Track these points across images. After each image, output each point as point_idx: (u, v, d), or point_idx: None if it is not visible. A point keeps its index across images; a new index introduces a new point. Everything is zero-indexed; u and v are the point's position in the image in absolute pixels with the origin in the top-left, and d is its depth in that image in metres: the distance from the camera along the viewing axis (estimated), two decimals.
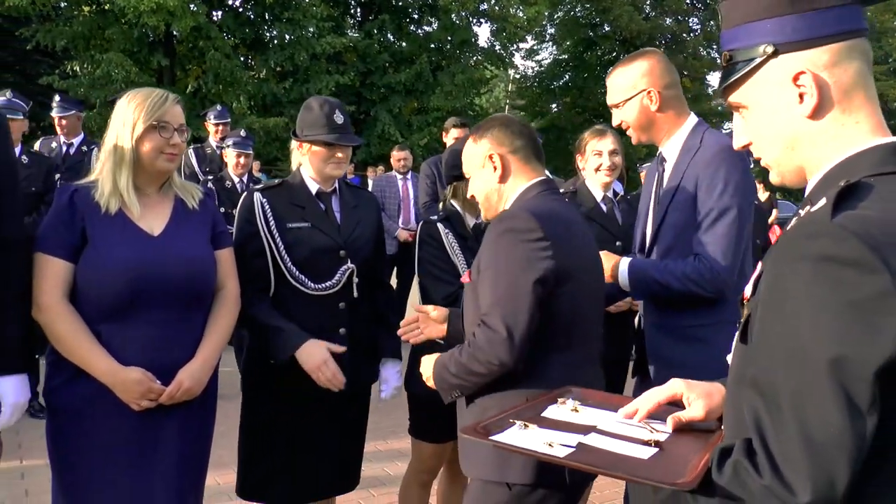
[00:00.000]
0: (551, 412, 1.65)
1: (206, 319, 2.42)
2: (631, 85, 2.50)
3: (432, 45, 20.53)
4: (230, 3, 18.56)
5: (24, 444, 4.25)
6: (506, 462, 1.97)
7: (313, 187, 2.76)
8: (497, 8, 20.12)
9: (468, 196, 2.39)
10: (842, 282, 1.01)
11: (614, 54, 26.35)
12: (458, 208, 2.93)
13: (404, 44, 20.72)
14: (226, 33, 16.85)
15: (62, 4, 17.60)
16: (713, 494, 1.14)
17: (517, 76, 27.19)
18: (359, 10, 21.69)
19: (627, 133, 2.62)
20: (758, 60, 1.22)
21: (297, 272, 2.65)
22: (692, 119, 2.55)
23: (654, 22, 25.45)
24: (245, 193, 2.80)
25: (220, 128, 6.88)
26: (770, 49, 1.21)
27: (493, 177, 2.17)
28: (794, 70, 1.19)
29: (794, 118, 1.21)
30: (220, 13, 17.94)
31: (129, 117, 2.30)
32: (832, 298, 1.02)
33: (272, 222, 2.66)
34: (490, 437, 1.52)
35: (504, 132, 2.18)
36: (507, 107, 32.23)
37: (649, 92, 2.47)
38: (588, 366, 2.10)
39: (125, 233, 2.28)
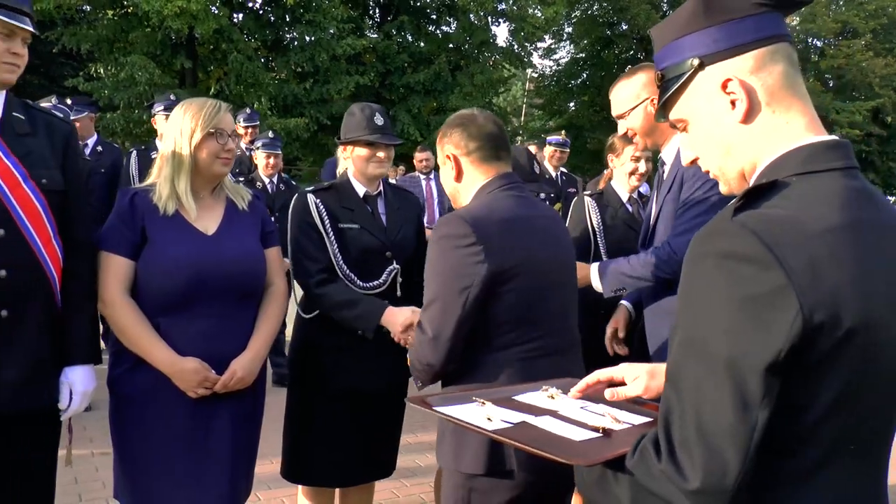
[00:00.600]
0: (526, 397, 1.66)
1: (255, 314, 2.57)
2: (635, 95, 2.68)
3: (451, 46, 20.62)
4: (250, 5, 18.79)
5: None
6: (460, 451, 2.05)
7: (360, 190, 2.92)
8: (515, 8, 20.17)
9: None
10: (739, 277, 1.05)
11: (631, 52, 26.33)
12: None
13: (422, 44, 20.84)
14: (247, 35, 17.03)
15: (86, 8, 17.85)
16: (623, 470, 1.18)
17: (535, 75, 27.23)
18: (377, 11, 21.83)
19: (634, 140, 2.78)
20: (687, 74, 1.26)
21: (348, 270, 2.81)
22: None
23: None
24: (297, 194, 2.95)
25: (250, 130, 7.00)
26: (696, 62, 1.24)
27: (451, 176, 2.27)
28: (721, 78, 1.22)
29: (728, 125, 1.24)
30: (240, 15, 18.14)
31: (186, 126, 2.45)
32: (729, 294, 1.06)
33: (328, 222, 2.82)
34: (433, 408, 1.56)
35: (461, 134, 2.23)
36: (524, 106, 32.28)
37: (652, 100, 2.63)
38: (546, 358, 2.10)
39: (183, 233, 2.44)
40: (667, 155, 2.76)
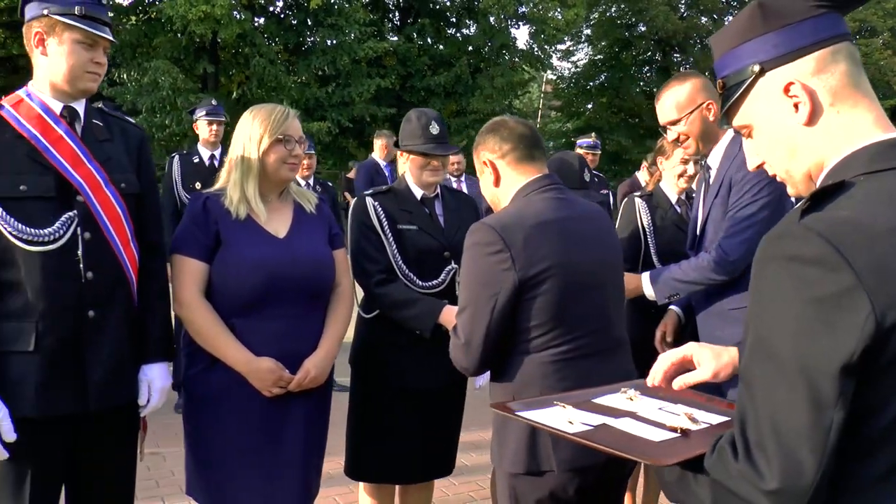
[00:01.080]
0: (605, 399, 1.70)
1: (325, 313, 2.63)
2: (691, 99, 2.72)
3: (470, 48, 20.67)
4: (271, 10, 18.91)
5: None
6: (503, 451, 2.14)
7: (418, 192, 2.98)
8: (536, 10, 20.20)
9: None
10: (806, 280, 1.05)
11: (649, 54, 26.32)
12: None
13: (442, 47, 20.90)
14: (269, 39, 17.16)
15: (110, 14, 18.03)
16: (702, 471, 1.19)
17: (553, 77, 27.25)
18: (397, 14, 21.92)
19: (684, 146, 2.82)
20: (748, 81, 1.28)
21: (407, 270, 2.87)
22: (731, 130, 2.77)
23: (690, 21, 25.37)
24: (356, 198, 3.02)
25: None
26: (757, 68, 1.26)
27: (491, 182, 2.31)
28: (783, 82, 1.24)
29: (792, 128, 1.25)
30: (262, 20, 18.27)
31: (255, 132, 2.51)
32: (797, 296, 1.06)
33: (386, 224, 2.88)
34: (515, 413, 1.64)
35: (494, 138, 2.27)
36: (540, 108, 32.28)
37: (708, 105, 2.69)
38: (587, 359, 2.13)
39: (255, 235, 2.50)
40: (712, 160, 2.81)
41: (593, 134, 7.95)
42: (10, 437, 2.13)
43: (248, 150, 2.52)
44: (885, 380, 1.05)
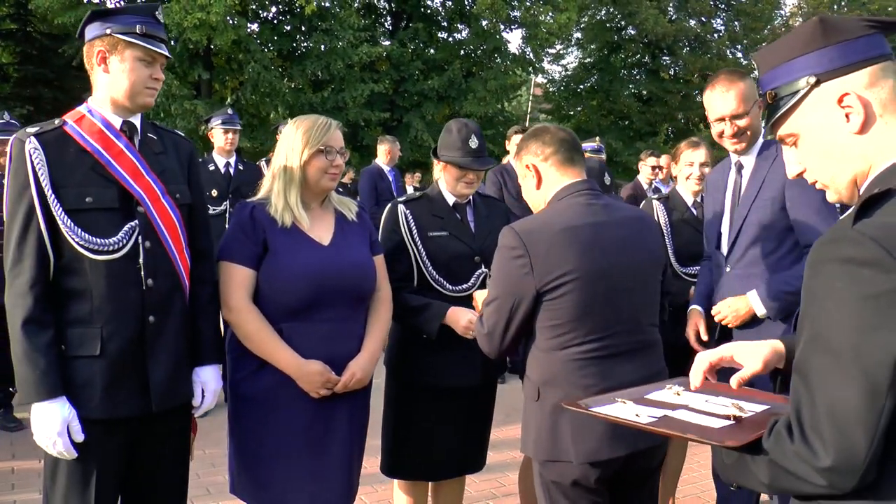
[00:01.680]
0: (656, 395, 1.85)
1: (366, 317, 2.72)
2: (753, 95, 2.82)
3: (462, 52, 20.78)
4: (264, 15, 18.95)
5: None
6: (526, 439, 2.35)
7: (450, 199, 3.09)
8: (528, 14, 20.33)
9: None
10: (861, 279, 1.16)
11: (639, 57, 26.50)
12: None
13: (432, 51, 20.99)
14: (263, 45, 17.22)
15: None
16: (757, 453, 1.31)
17: (543, 80, 27.39)
18: (389, 18, 22.01)
19: (735, 140, 2.89)
20: (802, 92, 1.38)
21: (437, 275, 2.98)
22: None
23: (679, 24, 25.56)
24: (389, 205, 3.12)
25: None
26: (812, 80, 1.36)
27: (533, 186, 2.42)
28: (839, 93, 1.34)
29: (843, 136, 1.34)
30: (255, 25, 18.32)
31: (297, 143, 2.60)
32: (852, 293, 1.17)
33: (415, 231, 2.98)
34: (589, 409, 1.79)
35: (536, 142, 2.39)
36: (529, 111, 32.41)
37: (759, 102, 2.78)
38: (613, 358, 2.25)
39: (301, 243, 2.59)
40: (746, 160, 2.91)
41: (597, 138, 8.06)
42: (79, 437, 2.23)
43: (291, 160, 2.61)
44: None
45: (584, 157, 2.46)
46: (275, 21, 18.91)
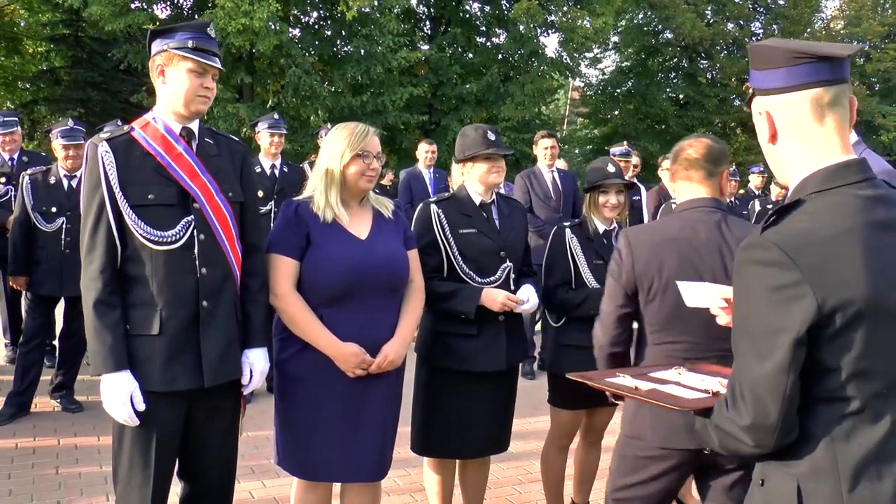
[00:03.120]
0: (659, 373, 2.13)
1: (400, 305, 2.98)
2: None
3: (500, 56, 20.95)
4: (305, 20, 19.34)
5: None
6: (625, 416, 2.64)
7: (477, 199, 3.35)
8: (565, 19, 20.45)
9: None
10: (766, 276, 1.44)
11: (675, 60, 26.48)
12: (590, 215, 3.52)
13: (470, 55, 21.20)
14: (304, 50, 17.56)
15: (148, 27, 18.55)
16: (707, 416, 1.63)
17: (580, 84, 27.48)
18: (428, 23, 22.28)
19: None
20: (748, 97, 1.67)
21: (467, 269, 3.24)
22: None
23: (717, 28, 25.47)
24: (421, 204, 3.39)
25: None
26: (751, 91, 1.65)
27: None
28: (760, 109, 1.61)
29: (767, 144, 1.62)
30: (297, 30, 18.68)
31: (338, 147, 2.87)
32: (761, 288, 1.45)
33: (447, 228, 3.25)
34: (593, 381, 2.11)
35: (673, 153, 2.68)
36: (566, 115, 32.48)
37: None
38: (695, 353, 2.45)
39: (341, 237, 2.86)
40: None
41: (625, 142, 8.24)
42: (141, 407, 2.52)
43: (332, 163, 2.88)
44: (834, 347, 1.42)
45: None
46: (316, 26, 19.27)
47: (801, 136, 1.56)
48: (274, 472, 4.13)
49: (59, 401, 5.44)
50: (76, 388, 5.54)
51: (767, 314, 1.45)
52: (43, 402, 5.48)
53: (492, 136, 3.31)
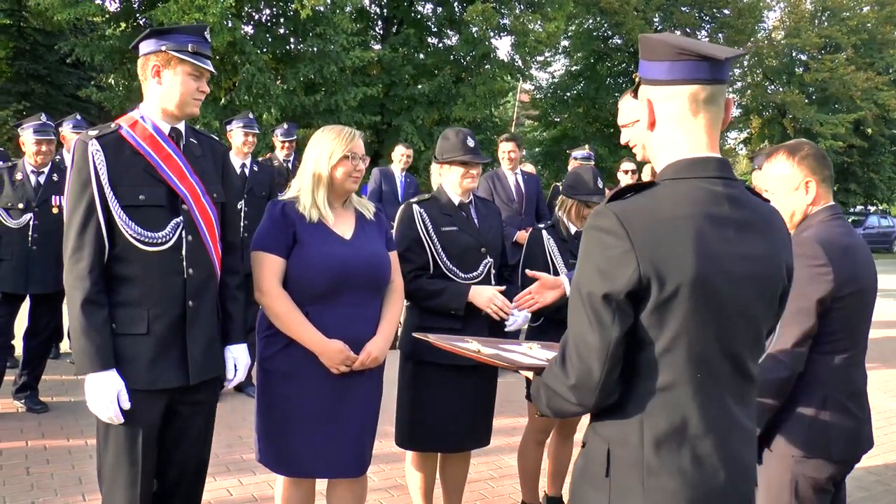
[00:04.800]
0: (508, 346, 2.22)
1: (381, 304, 3.05)
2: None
3: (452, 58, 21.04)
4: (257, 17, 19.13)
5: None
6: (788, 437, 2.52)
7: (455, 199, 3.45)
8: (518, 23, 20.65)
9: None
10: (602, 243, 1.53)
11: (624, 65, 27.01)
12: (566, 220, 3.66)
13: (423, 56, 21.24)
14: (258, 48, 17.39)
15: (97, 20, 18.18)
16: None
17: (530, 87, 27.80)
18: (380, 23, 22.27)
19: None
20: (635, 84, 1.75)
21: (451, 265, 3.35)
22: None
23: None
24: (404, 205, 3.48)
25: (287, 145, 7.46)
26: (639, 78, 1.72)
27: (806, 199, 2.61)
28: (644, 97, 1.68)
29: (646, 130, 1.69)
30: (249, 27, 18.48)
31: (325, 149, 2.93)
32: (595, 253, 1.54)
33: (430, 226, 3.35)
34: (427, 337, 2.26)
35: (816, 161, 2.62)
36: (514, 118, 32.76)
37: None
38: (856, 367, 2.54)
39: (326, 237, 2.92)
40: None
41: (587, 146, 8.42)
42: (127, 405, 2.53)
43: (319, 164, 2.93)
44: (653, 322, 1.51)
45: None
46: (269, 24, 19.11)
47: (675, 127, 1.65)
48: (251, 470, 4.20)
49: (23, 401, 5.36)
50: (39, 389, 5.47)
51: (595, 277, 1.53)
52: (5, 404, 5.40)
53: (471, 143, 3.42)
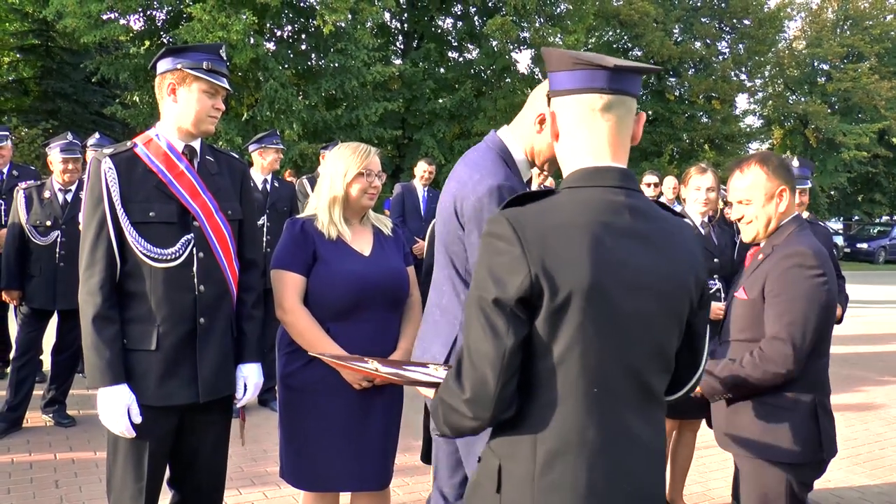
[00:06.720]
0: (412, 368, 2.17)
1: (401, 319, 3.08)
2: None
3: (473, 72, 21.15)
4: (279, 34, 19.36)
5: None
6: (780, 443, 2.60)
7: None
8: (538, 36, 20.70)
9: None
10: (495, 248, 1.50)
11: (644, 77, 26.88)
12: None
13: (443, 70, 21.40)
14: (280, 64, 17.58)
15: (122, 39, 18.46)
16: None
17: None
18: (401, 38, 22.43)
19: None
20: (548, 99, 1.71)
21: None
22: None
23: (685, 46, 26.03)
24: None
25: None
26: (549, 92, 1.68)
27: (780, 208, 2.69)
28: (551, 109, 1.67)
29: (554, 142, 1.67)
30: (271, 44, 18.71)
31: (341, 166, 2.98)
32: (488, 259, 1.50)
33: None
34: (321, 356, 2.37)
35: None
36: None
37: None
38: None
39: (345, 254, 2.96)
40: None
41: None
42: (137, 419, 2.55)
43: (335, 181, 2.98)
44: (547, 330, 1.47)
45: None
46: (291, 40, 19.31)
47: (575, 135, 1.64)
48: (275, 483, 4.22)
49: (51, 415, 5.43)
50: (67, 403, 5.55)
51: (488, 282, 1.49)
52: (34, 417, 5.48)
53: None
